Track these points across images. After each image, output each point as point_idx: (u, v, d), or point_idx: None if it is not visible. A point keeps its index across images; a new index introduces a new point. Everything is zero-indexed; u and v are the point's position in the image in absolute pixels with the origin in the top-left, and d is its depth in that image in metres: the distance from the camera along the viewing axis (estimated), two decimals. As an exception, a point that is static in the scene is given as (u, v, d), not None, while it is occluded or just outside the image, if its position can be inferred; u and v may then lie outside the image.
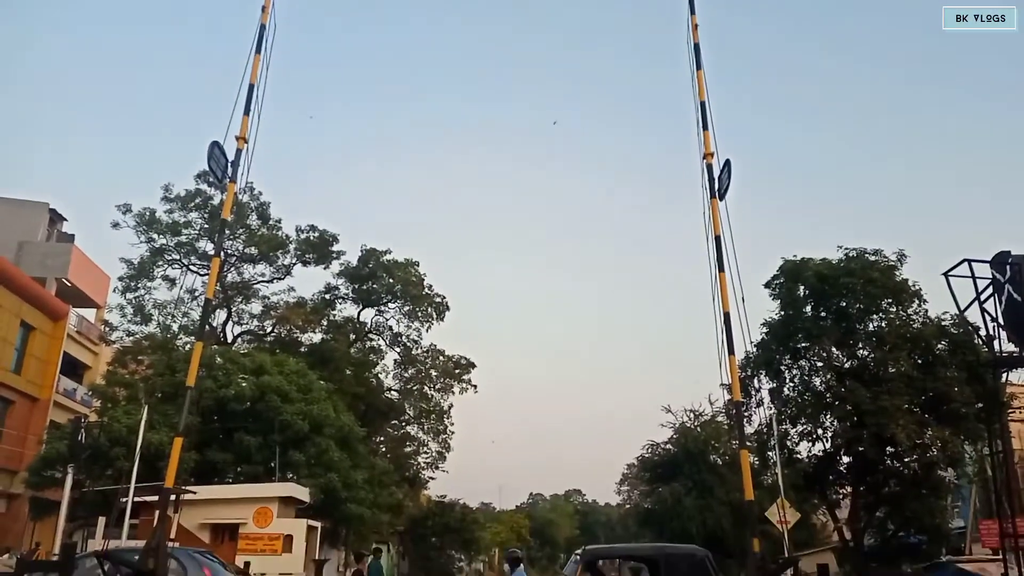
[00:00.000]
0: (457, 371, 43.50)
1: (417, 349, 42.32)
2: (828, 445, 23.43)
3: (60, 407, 34.11)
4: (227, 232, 32.88)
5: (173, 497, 20.80)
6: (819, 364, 23.70)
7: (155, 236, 34.99)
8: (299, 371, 30.99)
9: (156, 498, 17.52)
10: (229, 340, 36.97)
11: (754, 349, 22.09)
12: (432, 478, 49.15)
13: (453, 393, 44.06)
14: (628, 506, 73.71)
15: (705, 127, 11.04)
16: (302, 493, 26.54)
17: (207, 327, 35.25)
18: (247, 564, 21.33)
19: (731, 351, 9.93)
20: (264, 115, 10.40)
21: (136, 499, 19.90)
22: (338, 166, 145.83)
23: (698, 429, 31.08)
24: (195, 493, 23.46)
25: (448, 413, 44.98)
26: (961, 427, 21.21)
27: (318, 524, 27.16)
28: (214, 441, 27.55)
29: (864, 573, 18.90)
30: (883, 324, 22.98)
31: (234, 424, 27.88)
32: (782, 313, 23.96)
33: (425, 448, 46.33)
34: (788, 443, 23.74)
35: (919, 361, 22.06)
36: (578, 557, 14.03)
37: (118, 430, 23.49)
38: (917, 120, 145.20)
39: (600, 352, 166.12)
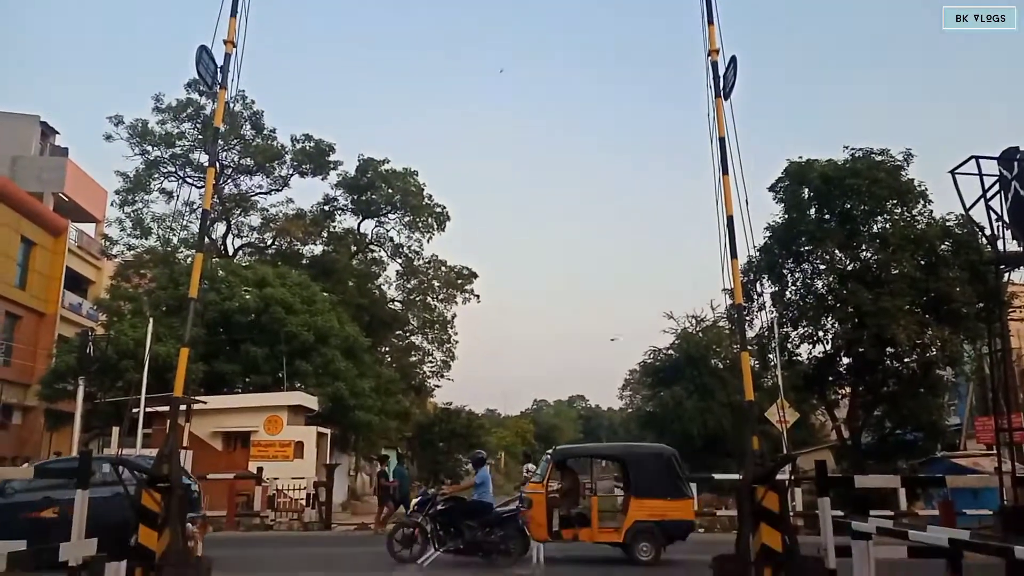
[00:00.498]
0: (459, 281, 43.66)
1: (419, 260, 42.35)
2: (828, 347, 23.70)
3: (66, 321, 34.46)
4: (221, 142, 32.36)
5: (183, 407, 21.30)
6: (822, 267, 23.69)
7: (149, 148, 34.53)
8: (302, 283, 31.14)
9: (167, 408, 17.91)
10: (230, 253, 36.98)
11: (757, 253, 22.05)
12: (438, 386, 50.13)
13: (456, 303, 44.39)
14: (630, 410, 75.44)
15: (711, 21, 10.53)
16: (311, 401, 27.12)
17: (206, 239, 35.31)
18: (260, 469, 22.00)
19: (734, 255, 9.80)
20: (254, 23, 9.93)
21: (147, 409, 20.35)
22: (332, 77, 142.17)
23: (699, 334, 31.36)
24: (205, 403, 23.99)
25: (451, 323, 45.45)
26: (961, 326, 21.45)
27: (328, 431, 27.89)
28: (221, 352, 27.95)
29: (861, 470, 19.43)
30: (887, 225, 22.84)
31: (240, 336, 28.22)
32: (786, 216, 23.77)
33: (430, 357, 47.03)
34: (789, 346, 23.99)
35: (922, 262, 22.05)
36: (549, 456, 14.57)
37: (125, 343, 23.79)
38: (929, 16, 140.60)
39: (603, 261, 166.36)
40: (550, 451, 15.03)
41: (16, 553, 5.12)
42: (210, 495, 19.33)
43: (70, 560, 7.90)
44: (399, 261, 42.30)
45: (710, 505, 21.42)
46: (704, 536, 17.83)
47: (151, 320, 20.64)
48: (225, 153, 34.63)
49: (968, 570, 8.86)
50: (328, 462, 25.41)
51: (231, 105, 33.21)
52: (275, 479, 22.17)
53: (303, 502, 21.99)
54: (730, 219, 9.62)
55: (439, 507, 12.40)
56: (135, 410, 20.25)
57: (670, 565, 12.24)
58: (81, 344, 18.93)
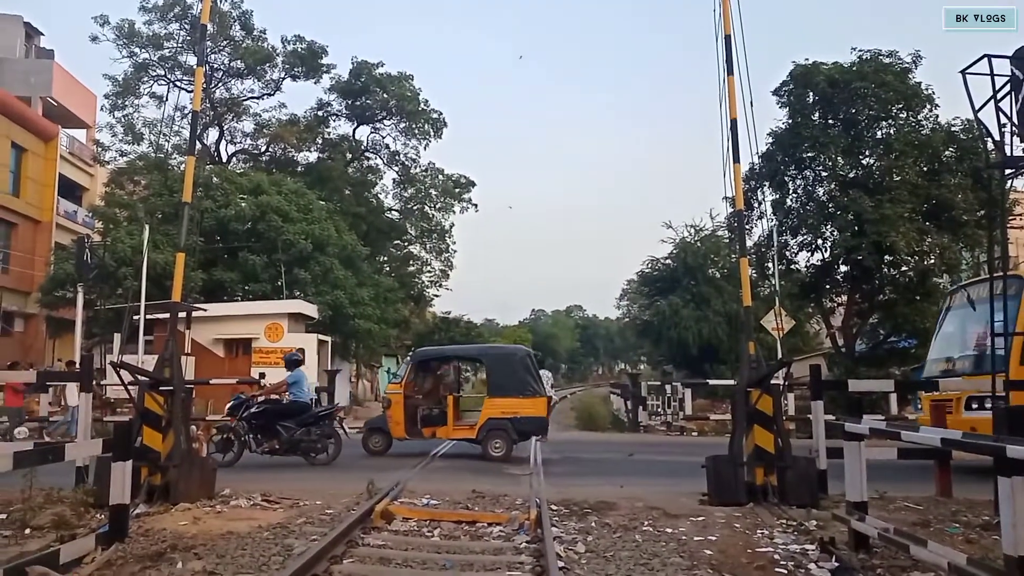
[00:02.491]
0: (457, 190, 43.18)
1: (415, 168, 41.74)
2: (827, 255, 23.60)
3: (63, 229, 34.25)
4: (210, 44, 31.36)
5: (183, 313, 21.42)
6: (824, 174, 23.35)
7: (136, 50, 33.50)
8: (297, 191, 30.81)
9: (167, 315, 18.00)
10: (224, 160, 36.43)
11: (759, 160, 21.69)
12: (436, 296, 50.34)
13: (454, 212, 44.03)
14: (626, 320, 76.25)
15: (718, -90, 9.99)
16: (310, 310, 27.30)
17: (199, 144, 34.69)
18: (262, 375, 22.30)
19: (736, 159, 9.62)
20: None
21: (147, 317, 20.46)
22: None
23: (698, 244, 31.30)
24: (205, 310, 24.13)
25: (450, 232, 45.26)
26: (960, 234, 21.36)
27: (328, 339, 28.19)
28: (219, 261, 27.92)
29: (854, 376, 19.74)
30: (891, 131, 22.40)
31: (237, 244, 28.12)
32: (790, 121, 23.24)
33: (428, 267, 47.06)
34: (787, 254, 23.92)
35: (924, 169, 21.77)
36: (410, 358, 14.84)
37: (122, 251, 23.71)
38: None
39: (602, 171, 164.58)
40: (410, 353, 15.31)
41: (22, 453, 5.19)
42: (213, 400, 19.68)
43: (76, 460, 8.12)
44: (395, 169, 41.72)
45: (704, 409, 21.90)
46: (696, 439, 18.31)
47: (147, 227, 20.46)
48: (215, 55, 33.61)
49: (956, 472, 9.16)
50: (329, 368, 25.80)
51: (218, 2, 32.08)
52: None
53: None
54: (733, 122, 9.41)
55: (253, 410, 12.19)
56: (135, 317, 20.36)
57: (659, 465, 12.57)
58: (78, 251, 18.85)
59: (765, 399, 8.41)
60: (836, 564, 5.82)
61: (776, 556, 6.18)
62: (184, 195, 9.29)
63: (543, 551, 5.96)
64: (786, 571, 5.76)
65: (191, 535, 6.57)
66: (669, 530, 7.11)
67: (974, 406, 11.23)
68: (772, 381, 8.54)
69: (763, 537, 6.88)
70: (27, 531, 6.65)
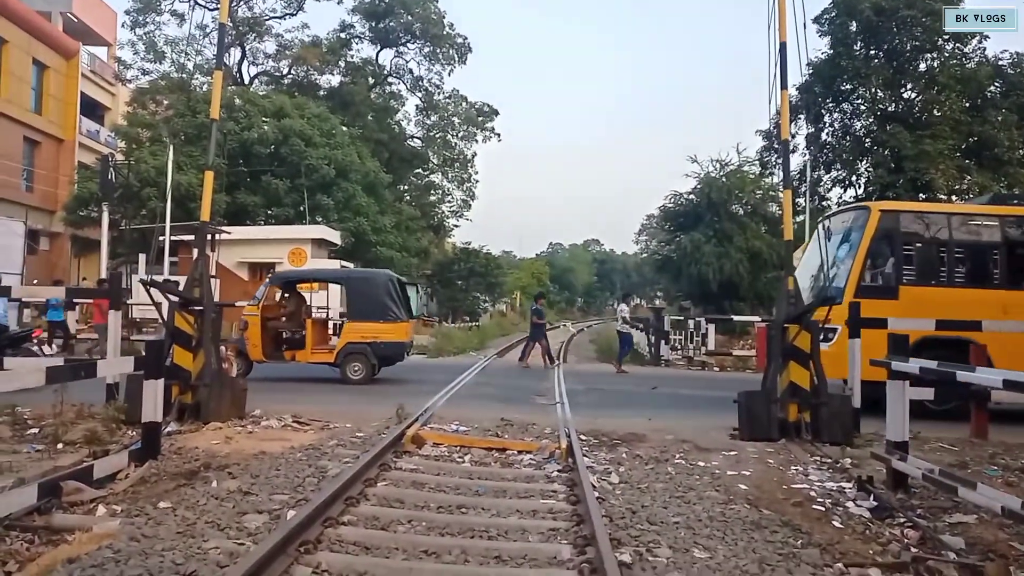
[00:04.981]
0: (480, 119, 42.51)
1: (439, 94, 41.05)
2: (860, 192, 23.06)
3: (85, 148, 34.15)
4: (232, -41, 30.50)
5: (209, 236, 21.38)
6: (862, 108, 22.59)
7: (157, -35, 32.69)
8: (320, 115, 30.39)
9: (192, 237, 17.91)
10: (246, 81, 35.89)
11: (796, 92, 20.96)
12: (456, 226, 50.17)
13: (476, 142, 43.46)
14: (644, 255, 75.73)
15: None
16: (333, 236, 27.26)
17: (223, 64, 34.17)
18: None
19: (784, 85, 9.19)
20: None
21: (172, 238, 20.48)
22: None
23: (723, 179, 30.63)
24: (230, 233, 24.14)
25: (472, 162, 44.74)
26: (1002, 172, 20.72)
27: (351, 265, 28.21)
28: (242, 184, 27.81)
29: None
30: (936, 64, 21.51)
31: (260, 168, 27.93)
32: (830, 51, 22.35)
33: (449, 196, 46.72)
34: (820, 190, 23.39)
35: (967, 104, 20.98)
36: (268, 279, 14.51)
37: (146, 171, 23.61)
38: None
39: (627, 104, 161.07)
40: (270, 275, 14.98)
41: (54, 368, 5.13)
42: (237, 322, 19.78)
43: (107, 377, 8.12)
44: (419, 95, 41.04)
45: (724, 345, 21.79)
46: (717, 374, 18.26)
47: (171, 148, 20.25)
48: (236, -29, 32.74)
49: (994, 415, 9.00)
50: (351, 295, 25.88)
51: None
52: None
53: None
54: (783, 45, 8.95)
55: None
56: (161, 238, 20.38)
57: (684, 399, 12.51)
58: (102, 170, 18.75)
59: (803, 335, 8.21)
60: (875, 503, 5.70)
61: (812, 493, 6.08)
62: (211, 112, 9.04)
63: (576, 480, 5.90)
64: (823, 508, 5.66)
65: (224, 454, 6.57)
66: (702, 464, 7.03)
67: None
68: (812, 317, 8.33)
69: (797, 473, 6.78)
70: (59, 446, 6.69)
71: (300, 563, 3.90)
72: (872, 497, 5.81)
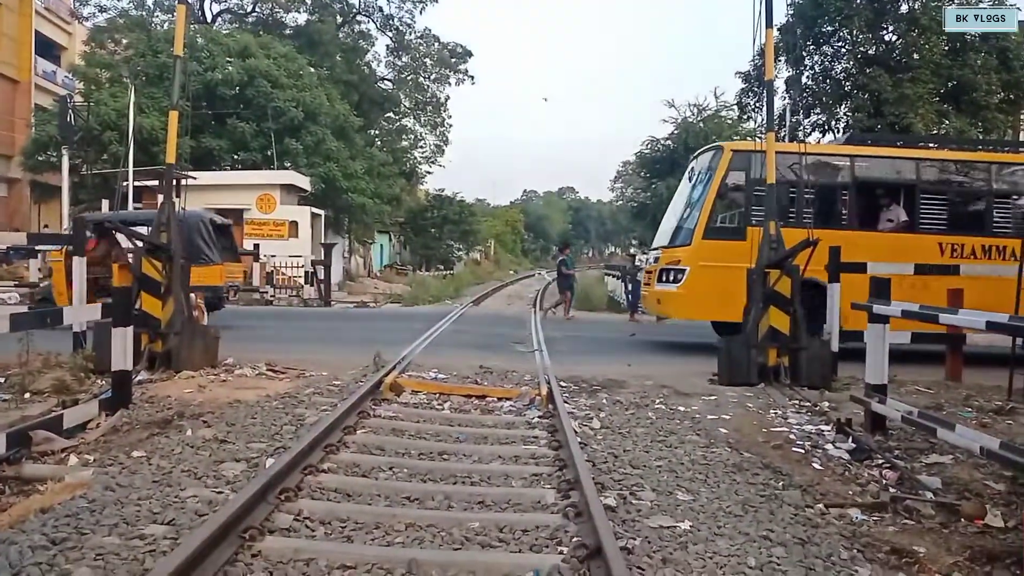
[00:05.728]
0: (453, 60, 41.54)
1: (410, 34, 39.95)
2: (840, 136, 23.02)
3: (42, 90, 32.83)
4: None
5: (175, 181, 20.78)
6: (843, 50, 22.36)
7: None
8: (287, 55, 29.46)
9: (155, 182, 17.39)
10: (208, 19, 34.59)
11: (777, 34, 20.59)
12: (429, 172, 49.47)
13: (450, 84, 42.57)
14: (620, 202, 75.58)
15: None
16: (302, 181, 26.69)
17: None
18: (256, 247, 22.02)
19: (769, 23, 8.99)
20: None
21: (136, 183, 19.88)
22: None
23: (700, 124, 30.41)
24: (195, 178, 23.41)
25: (445, 106, 43.90)
26: (979, 116, 20.75)
27: (321, 212, 27.74)
28: (207, 128, 26.97)
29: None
30: (917, 6, 21.29)
31: (225, 110, 27.09)
32: (813, -10, 22.03)
33: (422, 141, 45.93)
34: (799, 134, 23.27)
35: (947, 48, 20.87)
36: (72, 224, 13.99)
37: (106, 113, 22.75)
38: None
39: (604, 48, 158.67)
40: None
41: (18, 315, 4.91)
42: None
43: (73, 324, 7.88)
44: (389, 35, 39.93)
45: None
46: (694, 323, 18.34)
47: (132, 89, 19.50)
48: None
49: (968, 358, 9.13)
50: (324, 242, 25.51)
51: None
52: (272, 256, 22.28)
53: (301, 280, 22.29)
54: (768, -18, 8.72)
55: None
56: (124, 183, 19.78)
57: (663, 347, 12.56)
58: (61, 112, 18.01)
59: (784, 280, 8.20)
60: (853, 445, 5.75)
61: (792, 436, 6.12)
62: (175, 47, 8.62)
63: (557, 426, 5.86)
64: (803, 451, 5.69)
65: (197, 403, 6.43)
66: (682, 408, 7.04)
67: (666, 278, 11.65)
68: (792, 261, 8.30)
69: (777, 417, 6.82)
70: (27, 395, 6.49)
71: (281, 510, 3.80)
72: (851, 439, 5.85)
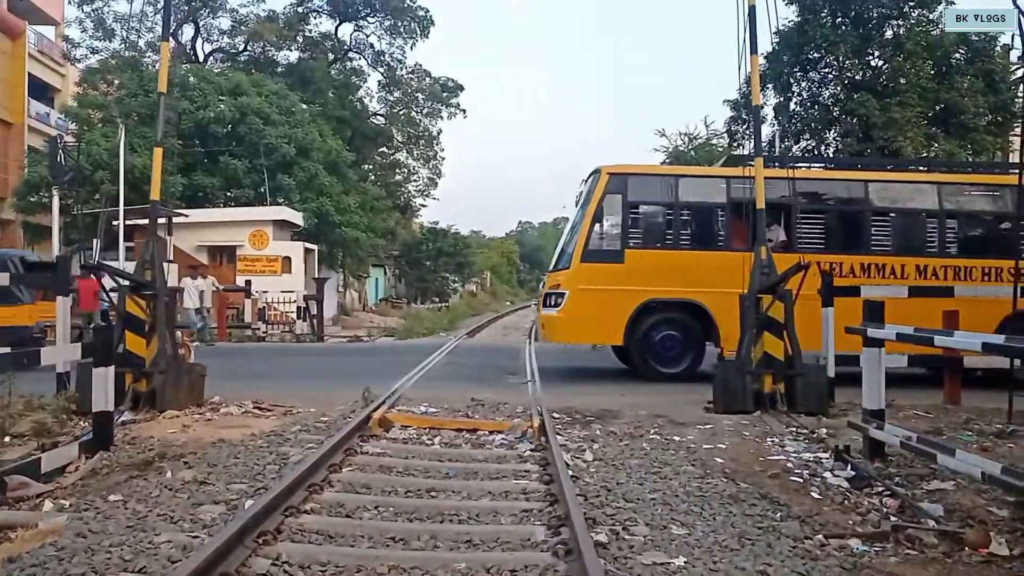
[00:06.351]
0: (444, 94, 41.86)
1: (402, 69, 40.28)
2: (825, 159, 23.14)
3: (35, 132, 32.98)
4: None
5: (165, 219, 20.78)
6: (830, 76, 22.54)
7: (103, -61, 31.48)
8: (278, 92, 29.63)
9: (147, 220, 17.30)
10: (200, 59, 34.87)
11: (764, 62, 20.80)
12: (423, 205, 49.65)
13: (441, 118, 42.85)
14: (615, 231, 75.67)
15: None
16: (295, 217, 26.67)
17: (173, 42, 33.06)
18: (248, 283, 21.94)
19: (754, 50, 9.01)
20: None
21: (127, 222, 19.83)
22: None
23: (691, 152, 30.61)
24: (187, 216, 23.46)
25: (437, 139, 44.16)
26: (968, 139, 20.86)
27: (315, 247, 27.68)
28: (199, 165, 27.04)
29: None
30: (903, 31, 21.51)
31: (217, 148, 27.17)
32: (798, 19, 22.23)
33: (415, 175, 46.12)
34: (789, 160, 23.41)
35: (933, 71, 21.06)
36: None
37: (97, 153, 22.78)
38: None
39: (595, 76, 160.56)
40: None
41: (-8, 356, 4.80)
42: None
43: (57, 365, 7.74)
44: (381, 71, 40.26)
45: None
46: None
47: (123, 128, 19.52)
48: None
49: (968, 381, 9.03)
50: (317, 277, 25.43)
51: None
52: (264, 292, 22.16)
53: (293, 315, 22.14)
54: (752, 9, 8.78)
55: None
56: (115, 223, 19.73)
57: (663, 375, 12.41)
58: (51, 152, 18.00)
59: (777, 305, 8.11)
60: (852, 472, 5.62)
61: (789, 464, 5.99)
62: (159, 85, 8.61)
63: (549, 459, 5.72)
64: (801, 480, 5.55)
65: (180, 443, 6.27)
66: (677, 438, 6.90)
67: (548, 303, 11.78)
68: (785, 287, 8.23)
69: (774, 445, 6.69)
70: (6, 439, 6.33)
71: (258, 555, 3.65)
72: (849, 467, 5.72)
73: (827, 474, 5.67)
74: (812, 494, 5.15)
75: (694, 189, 11.48)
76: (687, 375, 11.00)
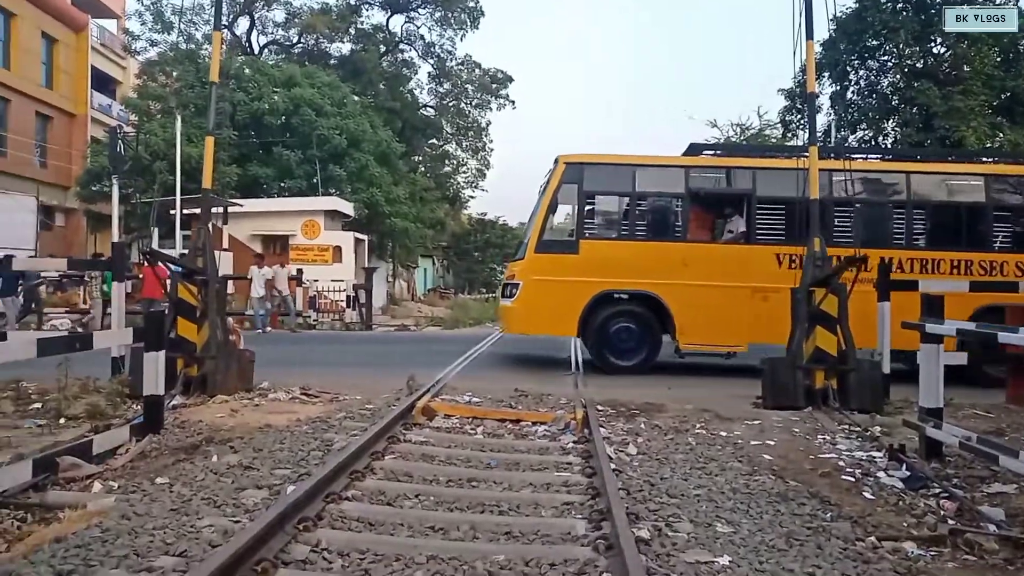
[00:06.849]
0: (494, 85, 41.81)
1: (451, 61, 40.35)
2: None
3: (98, 123, 34.00)
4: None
5: (219, 208, 21.22)
6: (890, 64, 21.80)
7: (163, -67, 32.20)
8: (331, 84, 29.97)
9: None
10: (255, 51, 35.47)
11: (820, 50, 20.23)
12: (472, 197, 49.72)
13: (491, 109, 42.83)
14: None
15: None
16: (346, 207, 27.00)
17: (229, 34, 33.69)
18: (300, 271, 22.25)
19: (810, 36, 8.74)
20: None
21: (184, 212, 20.31)
22: None
23: (744, 143, 29.96)
24: (241, 205, 23.95)
25: (486, 130, 44.16)
26: (1037, 129, 20.02)
27: (365, 237, 27.99)
28: (254, 156, 27.55)
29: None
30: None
31: (271, 139, 27.64)
32: (855, 5, 21.53)
33: (464, 166, 46.22)
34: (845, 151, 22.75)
35: (999, 59, 20.18)
36: None
37: (155, 143, 23.39)
38: None
39: (644, 66, 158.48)
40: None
41: (46, 340, 4.91)
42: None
43: (111, 349, 7.95)
44: (431, 62, 40.38)
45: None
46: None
47: (179, 118, 19.97)
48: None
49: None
50: (367, 266, 25.71)
51: None
52: (315, 281, 22.48)
53: (343, 304, 22.41)
54: (809, -7, 8.51)
55: None
56: (172, 212, 20.22)
57: (710, 368, 12.20)
58: (111, 142, 18.47)
59: (830, 299, 7.87)
60: (907, 472, 5.41)
61: (841, 463, 5.80)
62: (211, 75, 8.75)
63: (592, 452, 5.64)
64: (853, 479, 5.37)
65: (228, 427, 6.38)
66: (724, 433, 6.75)
67: (506, 293, 11.62)
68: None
69: (825, 443, 6.49)
70: (62, 421, 6.52)
71: (298, 541, 3.67)
72: (904, 466, 5.52)
73: (881, 474, 5.48)
74: (865, 494, 4.98)
75: (651, 179, 11.24)
76: (643, 368, 10.87)
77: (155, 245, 20.34)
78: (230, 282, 16.96)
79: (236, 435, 6.09)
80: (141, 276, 15.31)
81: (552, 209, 11.12)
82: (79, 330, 13.98)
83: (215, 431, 6.21)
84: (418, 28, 39.18)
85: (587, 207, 11.14)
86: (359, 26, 37.99)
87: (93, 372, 7.80)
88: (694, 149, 11.88)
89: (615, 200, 11.35)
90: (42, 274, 16.37)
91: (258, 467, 5.10)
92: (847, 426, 7.06)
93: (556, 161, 11.39)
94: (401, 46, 40.00)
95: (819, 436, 6.71)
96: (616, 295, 10.92)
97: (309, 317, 21.43)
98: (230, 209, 22.87)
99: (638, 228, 11.11)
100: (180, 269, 8.07)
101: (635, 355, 11.00)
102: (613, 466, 5.25)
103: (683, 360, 12.65)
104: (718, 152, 12.08)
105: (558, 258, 10.94)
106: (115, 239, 20.44)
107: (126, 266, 9.03)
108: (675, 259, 10.81)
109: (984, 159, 12.90)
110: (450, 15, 37.72)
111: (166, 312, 7.72)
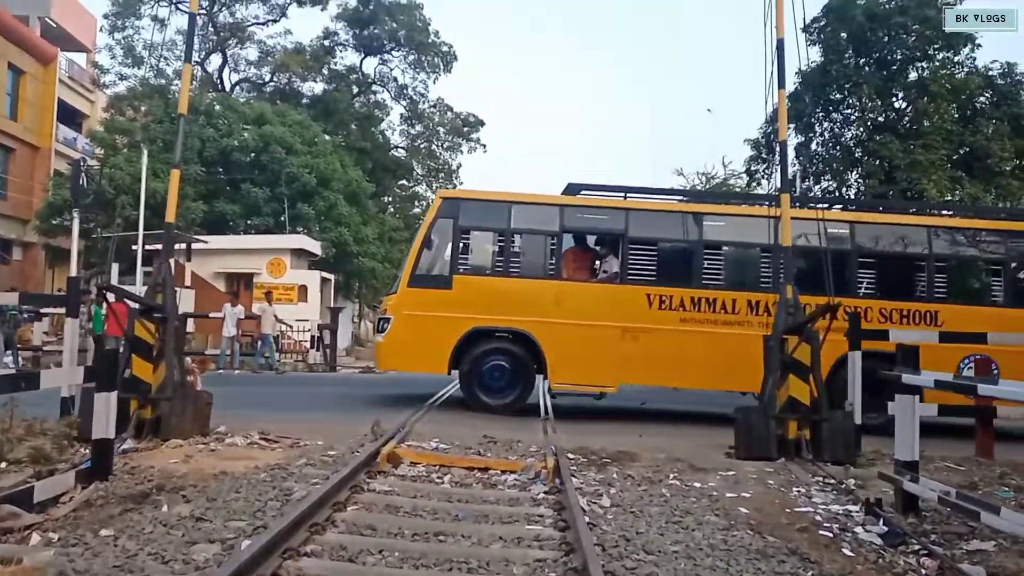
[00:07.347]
0: (466, 129, 42.12)
1: (424, 103, 40.62)
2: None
3: (62, 156, 33.33)
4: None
5: (183, 245, 20.81)
6: (853, 117, 22.40)
7: (136, -32, 32.16)
8: (302, 123, 29.89)
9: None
10: (227, 88, 35.33)
11: (787, 101, 20.74)
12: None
13: (462, 152, 43.07)
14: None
15: None
16: (313, 246, 26.67)
17: (201, 71, 33.52)
18: (263, 311, 21.79)
19: (781, 84, 8.88)
20: None
21: (146, 247, 19.86)
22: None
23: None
24: (206, 242, 23.51)
25: (457, 173, 44.33)
26: (994, 183, 20.56)
27: (331, 276, 27.63)
28: (221, 193, 27.21)
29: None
30: (927, 73, 21.41)
31: (240, 176, 27.36)
32: (820, 60, 22.18)
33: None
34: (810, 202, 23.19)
35: (958, 115, 20.88)
36: None
37: (120, 178, 22.97)
38: None
39: (613, 111, 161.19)
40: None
41: (-11, 378, 4.61)
42: (214, 334, 19.14)
43: (61, 390, 7.57)
44: (403, 104, 40.60)
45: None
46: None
47: (145, 152, 19.65)
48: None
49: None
50: (332, 306, 25.31)
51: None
52: (280, 321, 22.03)
53: (307, 344, 21.97)
54: (780, 42, 8.66)
55: None
56: (134, 247, 19.76)
57: (682, 416, 12.08)
58: (73, 174, 18.06)
59: (803, 347, 7.81)
60: (885, 528, 5.29)
61: (817, 517, 5.66)
62: (180, 107, 8.56)
63: (564, 503, 5.43)
64: (831, 534, 5.23)
65: (181, 474, 6.05)
66: (698, 484, 6.59)
67: (379, 328, 11.73)
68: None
69: (800, 495, 6.36)
70: (3, 465, 6.13)
71: (251, 603, 3.41)
72: (882, 521, 5.40)
73: (858, 529, 5.35)
74: (844, 551, 4.84)
75: (527, 216, 11.28)
76: (514, 407, 10.79)
77: (114, 281, 19.81)
78: (190, 320, 16.51)
79: (189, 483, 5.77)
80: (105, 314, 14.89)
81: (427, 243, 11.12)
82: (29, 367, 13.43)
83: (167, 478, 5.88)
84: (391, 70, 39.51)
85: (462, 243, 11.11)
86: (332, 67, 38.17)
87: (42, 413, 7.41)
88: (572, 188, 11.87)
89: (490, 236, 11.34)
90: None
91: (211, 519, 4.80)
92: (821, 478, 6.94)
93: (435, 197, 11.36)
94: (374, 87, 40.22)
95: (794, 488, 6.58)
96: (488, 332, 10.83)
97: (270, 358, 20.94)
98: (194, 246, 22.44)
99: (512, 265, 11.12)
100: (137, 306, 7.75)
101: (508, 393, 10.89)
102: (587, 519, 5.05)
103: (645, 407, 12.54)
104: (596, 192, 12.11)
105: (431, 293, 10.86)
106: (73, 274, 19.91)
107: (79, 302, 8.67)
108: (548, 297, 10.84)
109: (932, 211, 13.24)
110: (423, 59, 38.08)
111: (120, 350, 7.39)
